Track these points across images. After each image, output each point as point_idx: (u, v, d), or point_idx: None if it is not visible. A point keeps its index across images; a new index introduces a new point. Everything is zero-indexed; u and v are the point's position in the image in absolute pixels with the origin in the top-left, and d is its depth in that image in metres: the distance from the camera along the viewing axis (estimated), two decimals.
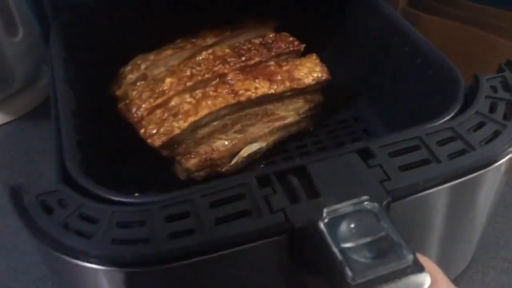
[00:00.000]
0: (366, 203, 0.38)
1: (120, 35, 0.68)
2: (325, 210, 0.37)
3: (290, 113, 0.63)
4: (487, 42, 0.73)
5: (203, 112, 0.56)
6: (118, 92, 0.63)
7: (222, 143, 0.60)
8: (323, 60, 0.65)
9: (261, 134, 0.62)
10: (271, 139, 0.63)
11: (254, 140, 0.61)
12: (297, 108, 0.63)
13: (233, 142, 0.60)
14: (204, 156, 0.59)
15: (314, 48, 0.71)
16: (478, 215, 0.49)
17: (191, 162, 0.58)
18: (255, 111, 0.61)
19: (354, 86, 0.72)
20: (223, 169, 0.60)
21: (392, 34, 0.60)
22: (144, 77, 0.64)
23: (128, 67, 0.65)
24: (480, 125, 0.45)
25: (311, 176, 0.41)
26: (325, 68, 0.63)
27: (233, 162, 0.60)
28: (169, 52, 0.65)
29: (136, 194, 0.54)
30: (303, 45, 0.66)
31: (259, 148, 0.61)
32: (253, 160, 0.62)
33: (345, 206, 0.37)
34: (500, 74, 0.50)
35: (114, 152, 0.63)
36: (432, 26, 0.78)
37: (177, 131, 0.55)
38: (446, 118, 0.47)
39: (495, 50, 0.73)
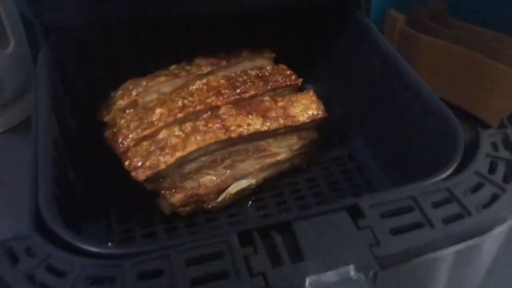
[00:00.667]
0: (352, 273, 0.35)
1: (113, 58, 0.66)
2: (307, 280, 0.35)
3: (282, 150, 0.61)
4: (483, 65, 0.72)
5: (191, 148, 0.54)
6: (107, 118, 0.61)
7: (210, 179, 0.57)
8: (319, 93, 0.63)
9: (251, 171, 0.59)
10: (262, 175, 0.61)
11: (243, 176, 0.59)
12: (290, 144, 0.61)
13: (222, 178, 0.58)
14: (190, 191, 0.56)
15: (311, 80, 0.69)
16: (472, 279, 0.46)
17: (176, 198, 0.56)
18: (246, 147, 0.59)
19: (350, 123, 0.70)
20: (210, 206, 0.58)
21: (391, 76, 0.58)
22: (134, 104, 0.61)
23: (119, 92, 0.63)
24: (478, 187, 0.43)
25: (296, 235, 0.39)
26: (322, 106, 0.61)
27: (220, 198, 0.58)
28: (162, 78, 0.63)
29: (110, 244, 0.52)
30: (301, 80, 0.64)
31: (249, 185, 0.59)
32: (241, 196, 0.60)
33: (329, 276, 0.35)
34: (501, 130, 0.48)
35: (98, 181, 0.60)
36: (430, 47, 0.77)
37: (162, 166, 0.53)
38: (443, 176, 0.44)
39: (490, 74, 0.73)
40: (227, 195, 0.58)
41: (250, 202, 0.61)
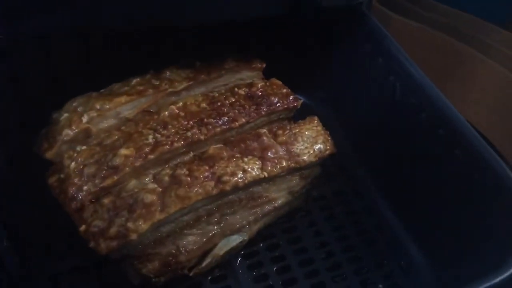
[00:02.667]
0: None
1: (56, 70, 0.50)
2: None
3: (281, 194, 0.49)
4: (460, 53, 0.68)
5: (172, 208, 0.41)
6: (49, 154, 0.45)
7: (193, 240, 0.44)
8: (315, 109, 0.50)
9: (244, 223, 0.47)
10: (256, 227, 0.48)
11: (234, 231, 0.46)
12: (290, 186, 0.49)
13: (207, 237, 0.45)
14: (167, 259, 0.43)
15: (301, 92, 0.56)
16: None
17: (149, 268, 0.43)
18: (238, 196, 0.45)
19: (354, 151, 0.58)
20: (191, 273, 0.45)
21: (417, 105, 0.46)
22: (86, 134, 0.46)
23: (64, 115, 0.47)
24: None
25: None
26: (329, 138, 0.49)
27: (204, 263, 0.45)
28: (122, 99, 0.47)
29: None
30: (300, 102, 0.51)
31: (240, 242, 0.47)
32: (229, 254, 0.47)
33: None
34: None
35: (45, 240, 0.46)
36: (404, 29, 0.70)
37: (133, 237, 0.39)
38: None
39: (466, 64, 0.68)
40: (213, 258, 0.45)
41: (239, 259, 0.49)
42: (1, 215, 0.44)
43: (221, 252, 0.46)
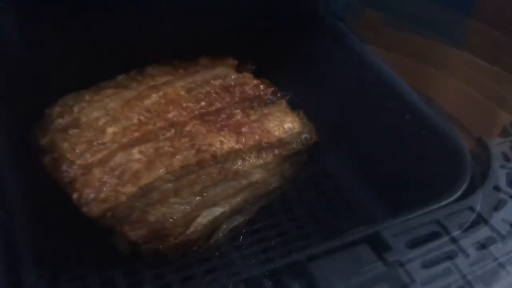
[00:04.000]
0: None
1: (47, 69, 0.55)
2: None
3: (257, 170, 0.53)
4: (425, 75, 0.70)
5: (158, 173, 0.45)
6: (43, 141, 0.50)
7: (177, 209, 0.48)
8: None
9: (223, 196, 0.51)
10: (235, 201, 0.52)
11: (215, 203, 0.51)
12: (264, 164, 0.54)
13: (191, 207, 0.49)
14: (154, 225, 0.47)
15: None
16: None
17: (138, 234, 0.47)
18: (217, 170, 0.50)
19: (327, 137, 0.63)
20: (177, 240, 0.49)
21: (375, 85, 0.53)
22: (77, 123, 0.51)
23: (56, 108, 0.52)
24: (502, 203, 0.38)
25: (315, 278, 0.31)
26: (297, 119, 0.55)
27: (189, 230, 0.49)
28: (109, 91, 0.53)
29: None
30: (271, 89, 0.57)
31: (221, 213, 0.51)
32: (212, 225, 0.51)
33: None
34: (508, 139, 0.44)
35: (37, 218, 0.49)
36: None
37: (123, 198, 0.44)
38: (459, 194, 0.39)
39: (433, 83, 0.70)
40: (197, 227, 0.49)
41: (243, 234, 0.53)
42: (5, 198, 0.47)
43: (204, 222, 0.50)
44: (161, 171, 0.45)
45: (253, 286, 0.30)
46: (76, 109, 0.51)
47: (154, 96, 0.52)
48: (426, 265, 0.33)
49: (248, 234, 0.54)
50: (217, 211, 0.51)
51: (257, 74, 0.58)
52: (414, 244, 0.34)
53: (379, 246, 0.34)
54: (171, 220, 0.48)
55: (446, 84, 0.71)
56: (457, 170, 0.42)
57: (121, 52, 0.58)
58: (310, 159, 0.58)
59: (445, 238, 0.35)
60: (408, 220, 0.36)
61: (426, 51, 0.72)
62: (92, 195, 0.44)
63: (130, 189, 0.44)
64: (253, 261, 0.50)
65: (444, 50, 0.73)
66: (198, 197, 0.50)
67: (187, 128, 0.49)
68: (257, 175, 0.53)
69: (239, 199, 0.53)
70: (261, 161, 0.53)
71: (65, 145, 0.48)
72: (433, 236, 0.35)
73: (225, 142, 0.49)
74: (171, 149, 0.47)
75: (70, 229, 0.49)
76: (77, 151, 0.47)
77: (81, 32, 0.58)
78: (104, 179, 0.45)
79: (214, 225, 0.51)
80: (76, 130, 0.49)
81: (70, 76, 0.57)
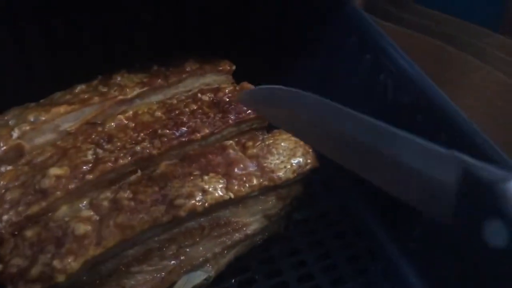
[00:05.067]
0: None
1: None
2: None
3: (255, 218, 0.40)
4: (452, 58, 0.65)
5: (111, 241, 0.32)
6: None
7: (143, 279, 0.36)
8: None
9: (208, 257, 0.38)
10: (224, 260, 0.40)
11: (196, 267, 0.38)
12: (266, 209, 0.41)
13: (162, 275, 0.37)
14: None
15: None
16: None
17: None
18: (199, 224, 0.37)
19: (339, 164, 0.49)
20: None
21: (412, 106, 0.39)
22: (18, 151, 0.38)
23: None
24: None
25: None
26: (310, 150, 0.41)
27: None
28: (61, 109, 0.40)
29: None
30: None
31: (205, 279, 0.38)
32: None
33: None
34: None
35: None
36: (393, 36, 0.64)
37: (60, 278, 0.31)
38: None
39: (458, 68, 0.66)
40: None
41: None
42: None
43: None
44: (117, 237, 0.32)
45: None
46: (16, 133, 0.39)
47: (120, 118, 0.39)
48: None
49: None
50: (199, 277, 0.38)
51: (252, 80, 0.44)
52: None
53: None
54: None
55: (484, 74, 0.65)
56: None
57: (82, 53, 0.44)
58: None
59: None
60: None
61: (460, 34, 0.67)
62: (20, 269, 0.32)
63: (71, 265, 0.31)
64: None
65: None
66: (172, 261, 0.37)
67: (159, 170, 0.36)
68: (255, 225, 0.40)
69: (229, 257, 0.40)
70: (260, 207, 0.40)
71: None
72: None
73: (210, 192, 0.35)
74: (132, 203, 0.34)
75: None
76: (7, 199, 0.34)
77: (31, 20, 0.44)
78: (40, 246, 0.32)
79: None
80: (10, 168, 0.37)
81: (16, 82, 0.44)
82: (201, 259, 0.38)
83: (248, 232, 0.40)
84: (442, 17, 0.70)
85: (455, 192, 0.22)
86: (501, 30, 0.74)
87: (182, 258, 0.37)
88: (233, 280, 0.41)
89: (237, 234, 0.40)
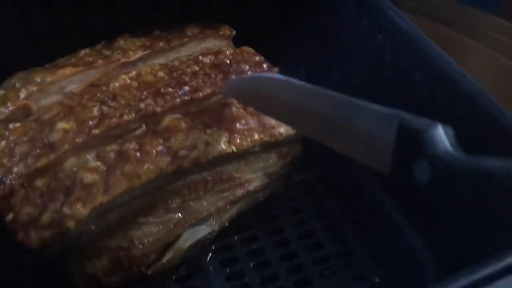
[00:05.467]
0: None
1: None
2: None
3: (257, 175, 0.41)
4: (448, 39, 0.66)
5: (118, 190, 0.33)
6: None
7: (149, 231, 0.37)
8: None
9: (212, 211, 0.39)
10: (227, 216, 0.41)
11: (200, 221, 0.39)
12: (267, 166, 0.42)
13: (167, 228, 0.38)
14: (118, 254, 0.36)
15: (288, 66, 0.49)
16: None
17: (96, 265, 0.35)
18: (203, 177, 0.38)
19: None
20: (150, 271, 0.37)
21: (412, 67, 0.40)
22: (25, 111, 0.39)
23: (0, 93, 0.40)
24: None
25: None
26: None
27: (165, 258, 0.38)
28: (67, 71, 0.41)
29: None
30: (276, 69, 0.44)
31: (209, 233, 0.39)
32: (196, 249, 0.40)
33: None
34: None
35: None
36: None
37: (70, 224, 0.32)
38: None
39: (454, 49, 0.61)
40: (176, 252, 0.38)
41: (210, 254, 0.41)
42: None
43: (185, 246, 0.38)
44: (123, 185, 0.33)
45: None
46: (23, 94, 0.40)
47: (124, 78, 0.40)
48: None
49: (217, 252, 0.42)
50: (203, 231, 0.39)
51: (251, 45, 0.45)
52: None
53: None
54: (140, 246, 0.36)
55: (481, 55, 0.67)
56: None
57: (85, 18, 0.45)
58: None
59: None
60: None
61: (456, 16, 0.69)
62: (31, 217, 0.33)
63: (80, 211, 0.32)
64: None
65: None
66: (177, 214, 0.38)
67: (163, 124, 0.37)
68: (256, 182, 0.42)
69: (232, 213, 0.41)
70: (262, 164, 0.41)
71: (3, 144, 0.36)
72: None
73: (213, 145, 0.36)
74: (138, 154, 0.35)
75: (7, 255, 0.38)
76: (17, 152, 0.35)
77: None
78: (49, 196, 0.33)
79: (198, 250, 0.40)
80: (18, 124, 0.38)
81: (20, 49, 0.45)
82: (205, 213, 0.39)
83: (250, 188, 0.41)
84: (439, 0, 0.72)
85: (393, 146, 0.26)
86: (499, 12, 0.75)
87: (186, 211, 0.38)
88: (235, 237, 0.43)
89: (239, 190, 0.41)
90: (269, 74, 0.36)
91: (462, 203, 0.25)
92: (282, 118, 0.36)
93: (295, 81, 0.32)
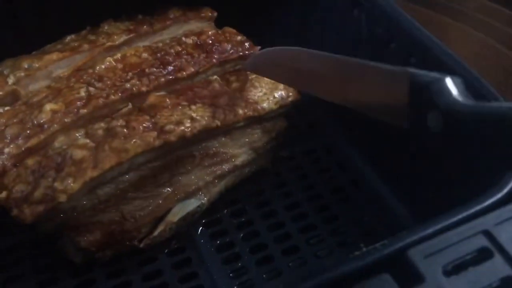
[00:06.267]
0: None
1: None
2: None
3: (242, 150, 0.43)
4: (432, 21, 0.67)
5: (107, 164, 0.35)
6: None
7: (140, 205, 0.38)
8: None
9: (200, 185, 0.41)
10: (216, 189, 0.42)
11: (189, 195, 0.40)
12: (252, 142, 0.43)
13: (157, 202, 0.39)
14: (110, 228, 0.37)
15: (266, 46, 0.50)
16: None
17: (90, 240, 0.37)
18: (190, 152, 0.40)
19: (325, 105, 0.52)
20: (142, 244, 0.39)
21: (389, 37, 0.41)
22: (14, 97, 0.40)
23: None
24: None
25: None
26: None
27: (157, 232, 0.39)
28: (53, 56, 0.42)
29: None
30: (258, 48, 0.45)
31: (198, 206, 0.41)
32: (187, 223, 0.41)
33: None
34: None
35: None
36: None
37: (62, 198, 0.33)
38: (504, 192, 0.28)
39: (438, 30, 0.64)
40: (167, 225, 0.39)
41: (200, 228, 0.43)
42: None
43: (176, 219, 0.40)
44: (112, 160, 0.34)
45: None
46: (11, 79, 0.41)
47: (109, 60, 0.41)
48: None
49: (207, 225, 0.43)
50: (192, 204, 0.41)
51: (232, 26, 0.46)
52: (455, 269, 0.24)
53: (405, 275, 0.23)
54: (132, 220, 0.38)
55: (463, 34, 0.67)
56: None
57: (69, 5, 0.46)
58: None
59: (499, 259, 0.24)
60: (442, 232, 0.25)
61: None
62: (24, 194, 0.34)
63: (71, 186, 0.33)
64: (217, 274, 0.39)
65: None
66: (166, 189, 0.39)
67: (148, 101, 0.38)
68: (242, 157, 0.43)
69: (220, 187, 0.42)
70: (247, 139, 0.43)
71: None
72: (481, 255, 0.24)
73: (198, 120, 0.38)
74: (125, 130, 0.36)
75: (3, 230, 0.40)
76: (8, 135, 0.37)
77: None
78: (40, 173, 0.35)
79: (189, 223, 0.41)
80: (8, 108, 0.39)
81: (7, 37, 0.46)
82: (193, 187, 0.40)
83: (237, 163, 0.43)
84: None
85: (407, 100, 0.27)
86: None
87: (175, 186, 0.40)
88: (225, 211, 0.44)
89: (226, 165, 0.42)
90: (283, 47, 0.36)
91: (473, 146, 0.26)
92: (300, 85, 0.37)
93: (308, 50, 0.34)
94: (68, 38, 0.45)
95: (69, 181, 0.34)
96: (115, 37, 0.44)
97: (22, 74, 0.41)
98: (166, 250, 0.41)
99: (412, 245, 0.24)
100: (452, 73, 0.36)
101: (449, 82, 0.26)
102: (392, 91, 0.28)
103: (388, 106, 0.29)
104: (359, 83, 0.31)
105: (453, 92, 0.26)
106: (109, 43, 0.43)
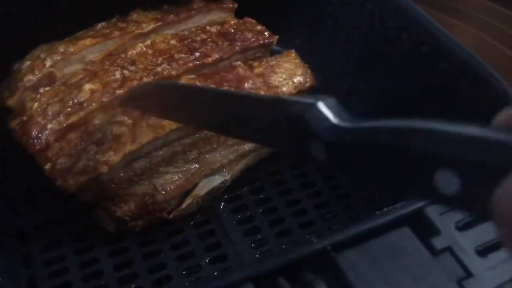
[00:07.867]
0: None
1: (14, 17, 0.47)
2: None
3: None
4: (439, 23, 0.66)
5: (145, 139, 0.38)
6: (11, 101, 0.42)
7: (170, 179, 0.41)
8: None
9: (224, 163, 0.44)
10: (238, 167, 0.45)
11: (214, 171, 0.44)
12: None
13: (186, 177, 0.42)
14: (143, 199, 0.40)
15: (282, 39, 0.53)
16: None
17: (124, 210, 0.40)
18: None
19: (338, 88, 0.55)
20: (171, 215, 0.42)
21: (399, 28, 0.44)
22: (50, 78, 0.43)
23: (26, 63, 0.44)
24: None
25: (344, 272, 0.24)
26: (309, 71, 0.47)
27: (185, 204, 0.42)
28: (87, 41, 0.45)
29: None
30: (276, 37, 0.49)
31: (222, 182, 0.44)
32: (211, 197, 0.44)
33: None
34: None
35: (10, 191, 0.42)
36: None
37: (103, 169, 0.37)
38: None
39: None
40: (194, 199, 0.42)
41: (223, 203, 0.46)
42: None
43: (202, 193, 0.43)
44: (149, 135, 0.38)
45: (265, 285, 0.24)
46: (48, 62, 0.44)
47: (140, 46, 0.45)
48: (483, 253, 0.26)
49: (229, 201, 0.46)
50: (217, 180, 0.44)
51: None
52: (465, 226, 0.27)
53: (423, 229, 0.27)
54: (163, 192, 0.41)
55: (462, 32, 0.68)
56: None
57: None
58: None
59: None
60: None
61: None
62: (67, 166, 0.37)
63: (112, 158, 0.37)
64: (239, 244, 0.43)
65: None
66: (194, 165, 0.43)
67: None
68: None
69: (242, 165, 0.46)
70: None
71: (35, 105, 0.40)
72: None
73: None
74: None
75: (44, 203, 0.43)
76: (49, 112, 0.40)
77: None
78: (82, 147, 0.38)
79: (212, 198, 0.44)
80: (48, 88, 0.42)
81: (41, 25, 0.49)
82: (218, 164, 0.44)
83: None
84: None
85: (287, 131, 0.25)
86: None
87: (202, 162, 0.43)
88: (245, 188, 0.47)
89: (247, 145, 0.45)
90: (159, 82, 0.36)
91: (364, 167, 0.23)
92: (178, 118, 0.35)
93: (185, 83, 0.33)
94: (99, 25, 0.48)
95: (110, 154, 0.37)
96: (144, 25, 0.47)
97: (58, 57, 0.44)
98: (192, 222, 0.44)
99: (429, 204, 0.27)
100: (462, 63, 0.40)
101: (322, 107, 0.23)
102: (272, 122, 0.26)
103: (272, 136, 0.27)
104: (240, 115, 0.28)
105: (329, 117, 0.23)
106: (138, 31, 0.46)
